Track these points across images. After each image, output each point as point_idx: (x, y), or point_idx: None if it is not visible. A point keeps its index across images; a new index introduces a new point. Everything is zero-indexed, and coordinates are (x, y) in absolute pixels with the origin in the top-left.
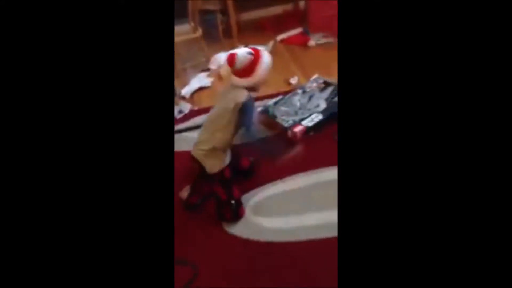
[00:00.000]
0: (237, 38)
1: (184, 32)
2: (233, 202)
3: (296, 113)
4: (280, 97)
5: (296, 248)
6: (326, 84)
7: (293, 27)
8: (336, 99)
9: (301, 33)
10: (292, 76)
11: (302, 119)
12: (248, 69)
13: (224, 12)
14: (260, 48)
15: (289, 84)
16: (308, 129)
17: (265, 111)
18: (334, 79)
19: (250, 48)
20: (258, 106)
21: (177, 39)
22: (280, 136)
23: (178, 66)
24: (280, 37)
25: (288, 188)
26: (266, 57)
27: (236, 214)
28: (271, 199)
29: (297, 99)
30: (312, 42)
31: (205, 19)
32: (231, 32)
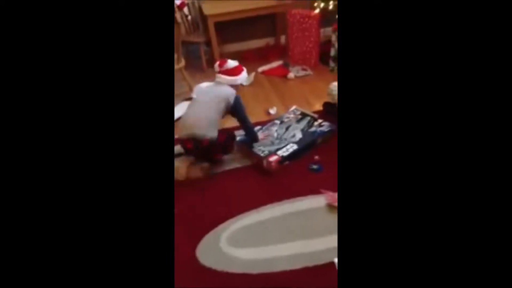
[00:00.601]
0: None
1: None
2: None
3: (272, 143)
4: (258, 127)
5: (272, 279)
6: (303, 115)
7: (274, 60)
8: (311, 129)
9: (282, 66)
10: (271, 107)
11: (278, 149)
12: (234, 71)
13: (208, 43)
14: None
15: (269, 114)
16: (283, 159)
17: (243, 141)
18: (311, 110)
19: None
20: (238, 136)
21: None
22: (257, 166)
23: None
24: (261, 68)
25: (263, 218)
26: (245, 72)
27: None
28: (246, 229)
29: (274, 130)
30: (291, 74)
31: (189, 49)
32: (214, 63)
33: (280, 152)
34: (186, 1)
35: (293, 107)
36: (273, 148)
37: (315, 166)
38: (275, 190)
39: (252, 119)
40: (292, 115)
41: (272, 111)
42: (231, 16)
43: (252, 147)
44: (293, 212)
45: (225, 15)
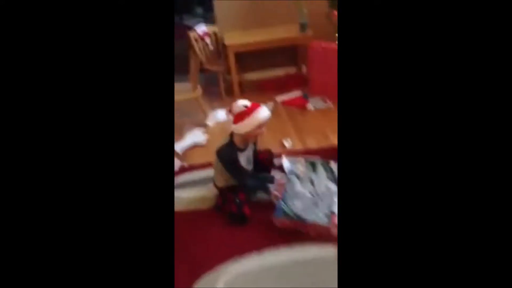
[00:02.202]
0: (239, 96)
1: (184, 90)
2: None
3: (315, 204)
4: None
5: None
6: (312, 164)
7: (293, 90)
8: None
9: (301, 97)
10: (286, 139)
11: (330, 206)
12: (238, 117)
13: (228, 71)
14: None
15: (283, 146)
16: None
17: (281, 212)
18: (328, 144)
19: (251, 103)
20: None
21: (176, 97)
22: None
23: (175, 122)
24: (279, 98)
25: (265, 263)
26: (261, 112)
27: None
28: (245, 276)
29: (298, 187)
30: (310, 106)
31: (208, 76)
32: (233, 91)
33: (335, 209)
34: (209, 32)
35: (284, 159)
36: (324, 208)
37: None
38: (284, 230)
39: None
40: (300, 168)
41: (287, 143)
42: (252, 47)
43: (298, 216)
44: (300, 259)
45: (246, 45)
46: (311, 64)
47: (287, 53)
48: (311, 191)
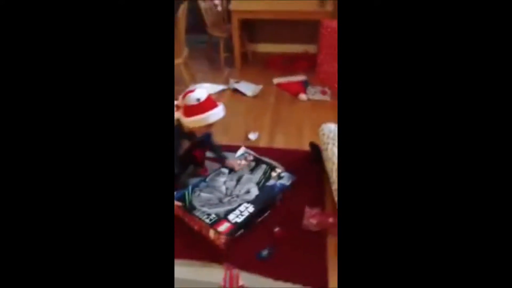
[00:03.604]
0: (239, 68)
1: None
2: None
3: (220, 201)
4: (199, 179)
5: None
6: (257, 162)
7: (299, 73)
8: (269, 183)
9: (301, 82)
10: (254, 131)
11: (229, 211)
12: (189, 110)
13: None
14: (219, 103)
15: (247, 139)
16: (236, 227)
17: (180, 198)
18: (298, 145)
19: (207, 99)
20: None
21: None
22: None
23: None
24: (277, 80)
25: None
26: (214, 115)
27: None
28: None
29: (222, 182)
30: (303, 96)
31: (212, 42)
32: (233, 61)
33: (231, 217)
34: None
35: (242, 149)
36: (222, 210)
37: (264, 252)
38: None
39: (228, 139)
40: (243, 161)
41: (253, 136)
42: (260, 15)
43: (193, 208)
44: None
45: (253, 13)
46: (321, 46)
47: (309, 29)
48: (229, 188)
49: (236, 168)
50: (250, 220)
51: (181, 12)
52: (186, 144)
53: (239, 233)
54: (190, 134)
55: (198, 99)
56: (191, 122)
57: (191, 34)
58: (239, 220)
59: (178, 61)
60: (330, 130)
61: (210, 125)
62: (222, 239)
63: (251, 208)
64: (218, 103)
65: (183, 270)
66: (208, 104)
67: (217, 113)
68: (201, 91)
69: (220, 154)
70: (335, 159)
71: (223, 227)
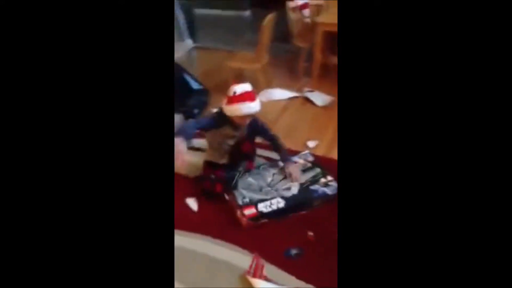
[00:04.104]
0: (316, 79)
1: (247, 58)
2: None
3: (260, 190)
4: (253, 167)
5: None
6: (313, 165)
7: None
8: (313, 187)
9: None
10: (315, 140)
11: (260, 201)
12: (228, 99)
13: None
14: (256, 99)
15: (306, 146)
16: (260, 215)
17: (231, 178)
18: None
19: (246, 92)
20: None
21: (233, 64)
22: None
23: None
24: None
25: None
26: (246, 106)
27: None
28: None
29: (271, 173)
30: None
31: (295, 51)
32: (311, 72)
33: (261, 206)
34: (310, 3)
35: (306, 151)
36: (256, 196)
37: (294, 251)
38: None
39: (288, 143)
40: (301, 161)
41: (311, 144)
42: None
43: (235, 187)
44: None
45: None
46: None
47: None
48: (274, 181)
49: (294, 174)
50: (276, 213)
51: (267, 21)
52: (226, 130)
53: (261, 221)
54: (235, 125)
55: (235, 92)
56: (227, 109)
57: (277, 43)
58: (265, 210)
59: (256, 66)
60: None
61: (245, 117)
62: (244, 222)
63: (282, 204)
64: (255, 98)
65: (212, 247)
66: (244, 97)
67: (250, 106)
68: (242, 86)
69: (279, 150)
70: None
71: (249, 211)
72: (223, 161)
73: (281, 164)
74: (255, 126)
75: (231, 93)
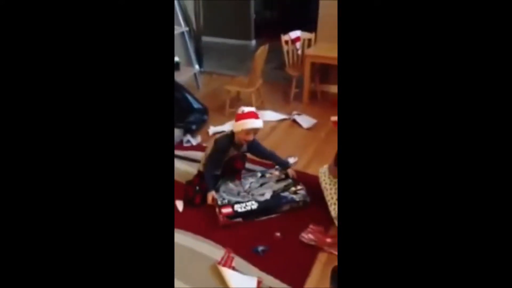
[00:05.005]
0: (306, 104)
1: (242, 82)
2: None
3: (238, 194)
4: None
5: None
6: (286, 176)
7: None
8: (284, 194)
9: None
10: (295, 156)
11: (237, 202)
12: (236, 117)
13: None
14: (260, 118)
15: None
16: (235, 214)
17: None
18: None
19: (250, 112)
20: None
21: (230, 87)
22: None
23: (227, 109)
24: (334, 118)
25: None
26: (250, 122)
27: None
28: None
29: (249, 181)
30: None
31: (289, 79)
32: (302, 98)
33: (237, 206)
34: (301, 37)
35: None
36: (233, 199)
37: (260, 248)
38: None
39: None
40: (276, 172)
41: (292, 160)
42: (329, 61)
43: (217, 190)
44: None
45: (323, 58)
46: None
47: None
48: (251, 188)
49: (290, 174)
50: (249, 214)
51: (260, 51)
52: (233, 151)
53: (236, 219)
54: (238, 145)
55: (243, 111)
56: (235, 125)
57: (275, 70)
58: (240, 210)
59: (251, 89)
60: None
61: (249, 133)
62: (221, 218)
63: (255, 206)
64: (259, 117)
65: (191, 241)
66: (250, 115)
67: (255, 122)
68: (248, 108)
69: (277, 159)
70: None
71: (226, 210)
72: (216, 172)
73: (259, 174)
74: (254, 146)
75: (240, 112)
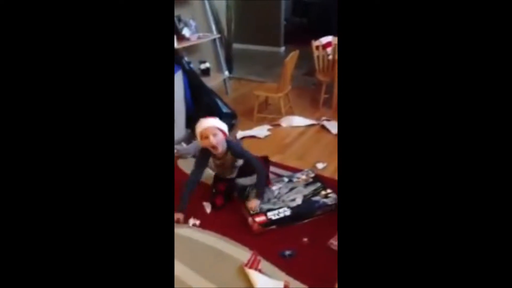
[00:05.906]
0: (334, 110)
1: (271, 88)
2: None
3: (268, 201)
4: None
5: None
6: (314, 180)
7: None
8: (315, 198)
9: None
10: (323, 162)
11: (269, 210)
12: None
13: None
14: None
15: (315, 167)
16: (269, 222)
17: (242, 190)
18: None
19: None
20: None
21: (258, 92)
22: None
23: (255, 114)
24: None
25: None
26: (198, 125)
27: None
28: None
29: (277, 187)
30: None
31: (319, 84)
32: (331, 104)
33: (270, 214)
34: (333, 42)
35: (308, 169)
36: (265, 206)
37: (287, 252)
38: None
39: (299, 164)
40: (304, 177)
41: (320, 165)
42: None
43: (246, 197)
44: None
45: None
46: None
47: None
48: (280, 194)
49: (253, 205)
50: (283, 221)
51: (290, 57)
52: (216, 161)
53: (270, 227)
54: (214, 153)
55: (220, 130)
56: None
57: (304, 76)
58: (273, 217)
59: (279, 95)
60: None
61: (203, 137)
62: (255, 226)
63: (288, 212)
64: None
65: (218, 242)
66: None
67: (199, 126)
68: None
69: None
70: None
71: (260, 218)
72: (230, 175)
73: (286, 179)
74: (232, 148)
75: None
